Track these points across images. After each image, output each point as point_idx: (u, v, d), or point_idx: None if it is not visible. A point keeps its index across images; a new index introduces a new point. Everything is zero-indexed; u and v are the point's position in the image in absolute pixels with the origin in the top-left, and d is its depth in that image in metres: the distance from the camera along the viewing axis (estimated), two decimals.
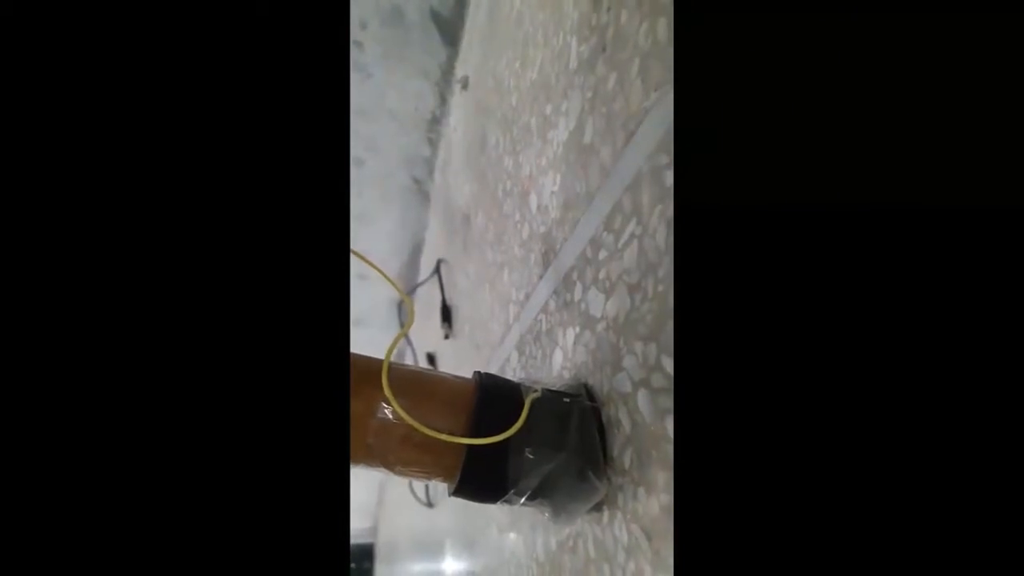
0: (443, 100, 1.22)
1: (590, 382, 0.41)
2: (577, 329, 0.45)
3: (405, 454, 0.37)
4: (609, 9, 0.42)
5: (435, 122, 1.27)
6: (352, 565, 3.66)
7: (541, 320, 0.54)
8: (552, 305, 0.51)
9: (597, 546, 0.39)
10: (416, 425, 0.35)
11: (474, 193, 0.91)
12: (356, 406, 0.36)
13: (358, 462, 0.37)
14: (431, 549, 1.30)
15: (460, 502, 0.38)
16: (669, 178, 0.32)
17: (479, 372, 0.41)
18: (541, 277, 0.54)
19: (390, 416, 0.36)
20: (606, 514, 0.37)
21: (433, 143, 1.32)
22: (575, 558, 0.43)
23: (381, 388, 0.35)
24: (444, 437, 0.35)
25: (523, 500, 0.36)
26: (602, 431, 0.38)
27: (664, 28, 0.34)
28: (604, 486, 0.35)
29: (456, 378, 0.41)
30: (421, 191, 1.43)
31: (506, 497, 0.36)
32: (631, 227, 0.36)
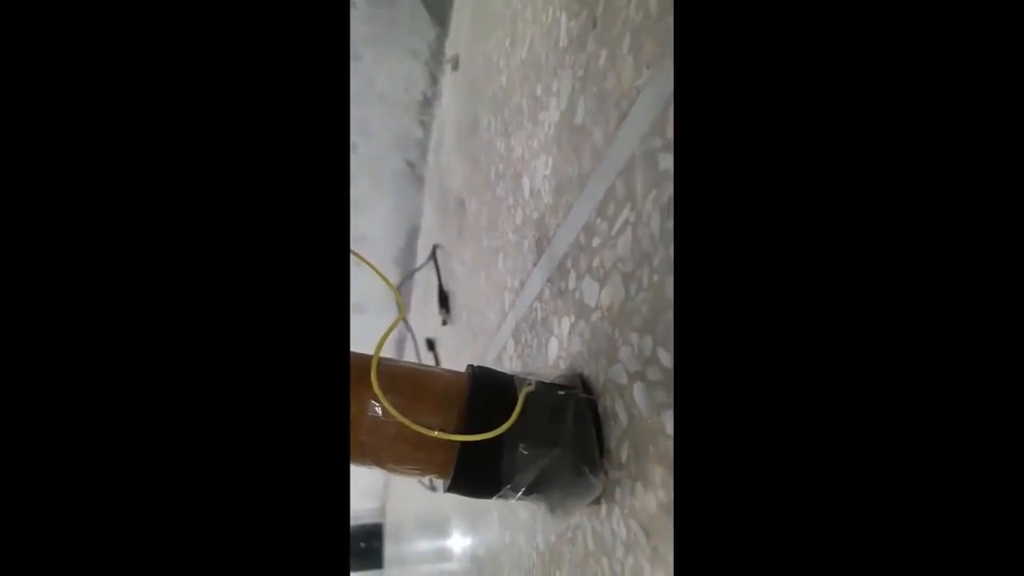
0: (434, 81, 1.19)
1: (586, 372, 0.40)
2: (572, 318, 0.43)
3: (397, 452, 0.36)
4: None
5: (426, 104, 1.24)
6: (362, 544, 3.73)
7: (536, 308, 0.53)
8: (547, 293, 0.50)
9: (596, 539, 0.38)
10: (406, 422, 0.34)
11: (467, 176, 0.89)
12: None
13: (351, 460, 0.36)
14: (437, 528, 1.31)
15: None
16: (663, 162, 0.30)
17: (472, 366, 0.40)
18: (535, 264, 0.53)
19: (380, 413, 0.35)
20: (604, 508, 0.36)
21: (425, 125, 1.29)
22: (574, 550, 0.42)
23: (371, 386, 0.34)
24: (435, 434, 0.34)
25: (519, 495, 0.35)
26: (598, 423, 0.37)
27: (655, 2, 0.32)
28: (600, 482, 0.35)
29: (449, 372, 0.40)
30: (415, 174, 1.41)
31: (501, 493, 0.35)
32: (625, 213, 0.35)
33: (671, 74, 0.30)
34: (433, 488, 1.27)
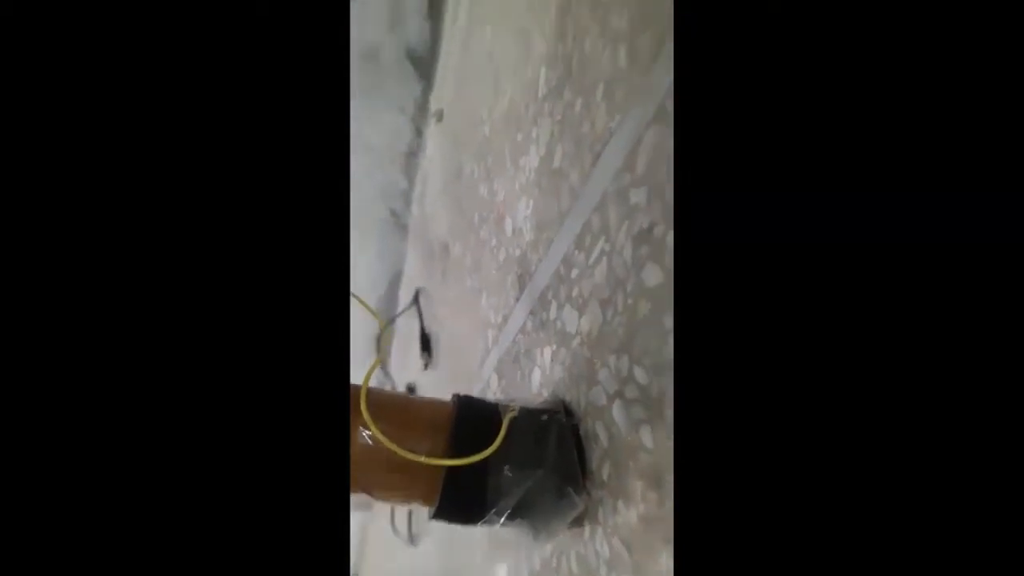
0: (419, 133, 1.24)
1: (567, 398, 0.41)
2: (554, 347, 0.45)
3: (385, 478, 0.37)
4: (574, 38, 0.44)
5: (411, 155, 1.29)
6: None
7: (519, 341, 0.54)
8: (529, 325, 0.52)
9: (580, 562, 0.38)
10: (394, 448, 0.35)
11: (451, 222, 0.92)
12: None
13: None
14: None
15: (443, 538, 0.38)
16: (634, 196, 0.33)
17: (457, 394, 0.41)
18: (518, 299, 0.55)
19: (369, 441, 0.36)
20: (587, 529, 0.37)
21: (410, 176, 1.33)
22: None
23: (360, 413, 0.35)
24: (423, 459, 0.35)
25: (503, 520, 0.36)
26: (580, 446, 0.38)
27: (624, 54, 0.35)
28: (583, 501, 0.35)
29: (435, 401, 0.41)
30: (399, 224, 1.44)
31: (486, 518, 0.36)
32: (600, 244, 0.37)
33: (640, 118, 0.33)
34: (412, 541, 1.23)
